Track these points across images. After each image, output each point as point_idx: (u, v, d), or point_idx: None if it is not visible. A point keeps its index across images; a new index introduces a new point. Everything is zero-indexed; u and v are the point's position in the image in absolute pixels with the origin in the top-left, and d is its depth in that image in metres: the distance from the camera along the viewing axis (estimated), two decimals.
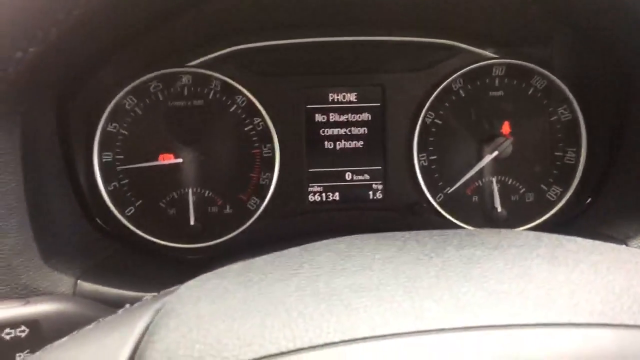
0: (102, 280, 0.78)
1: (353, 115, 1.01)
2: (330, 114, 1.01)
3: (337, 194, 1.02)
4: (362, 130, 1.01)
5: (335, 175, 1.02)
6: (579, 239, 0.42)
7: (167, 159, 0.97)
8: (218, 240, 0.99)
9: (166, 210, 0.98)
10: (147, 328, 0.39)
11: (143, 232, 0.97)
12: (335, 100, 1.01)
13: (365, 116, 1.01)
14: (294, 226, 1.01)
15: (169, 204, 0.98)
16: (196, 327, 0.37)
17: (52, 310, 0.59)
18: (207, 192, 0.99)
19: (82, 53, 0.66)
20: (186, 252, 0.98)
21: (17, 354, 0.56)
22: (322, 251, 0.45)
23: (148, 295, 0.78)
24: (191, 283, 0.43)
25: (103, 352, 0.39)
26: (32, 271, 0.72)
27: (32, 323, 0.56)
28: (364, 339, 0.33)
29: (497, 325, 0.32)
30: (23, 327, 0.55)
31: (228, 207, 1.00)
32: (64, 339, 0.44)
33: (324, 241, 0.47)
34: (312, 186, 1.01)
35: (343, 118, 1.01)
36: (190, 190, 0.98)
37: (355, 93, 1.01)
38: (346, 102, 1.01)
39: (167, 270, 0.93)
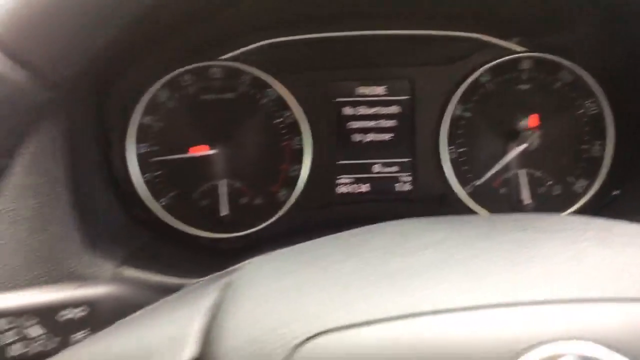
0: (141, 268, 0.80)
1: (382, 108, 1.02)
2: (359, 107, 1.02)
3: (365, 185, 1.03)
4: (391, 123, 1.03)
5: (363, 167, 1.03)
6: (624, 223, 0.43)
7: (199, 151, 0.99)
8: (249, 231, 1.00)
9: (198, 200, 1.00)
10: (214, 305, 0.41)
11: (177, 222, 0.99)
12: (364, 93, 1.02)
13: (394, 109, 1.02)
14: (323, 217, 1.02)
15: (201, 195, 1.00)
16: (266, 303, 0.38)
17: (106, 292, 0.61)
18: (238, 183, 1.01)
19: (131, 44, 0.68)
20: (218, 242, 1.00)
21: (72, 335, 0.58)
22: (375, 234, 0.47)
23: (187, 282, 0.81)
24: (254, 263, 0.45)
25: (173, 327, 0.41)
26: (75, 257, 0.74)
27: (90, 304, 0.58)
28: (428, 313, 0.34)
29: (556, 300, 0.33)
30: (81, 308, 0.57)
31: (259, 198, 1.01)
32: (132, 316, 0.46)
33: (377, 224, 0.48)
34: (341, 178, 1.03)
35: (372, 111, 1.02)
36: (221, 182, 1.00)
37: (384, 86, 1.02)
38: (375, 96, 1.02)
39: (200, 259, 0.95)
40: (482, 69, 1.01)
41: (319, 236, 0.94)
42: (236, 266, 0.49)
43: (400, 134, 1.03)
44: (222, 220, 0.99)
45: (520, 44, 1.03)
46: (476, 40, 1.02)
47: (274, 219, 1.01)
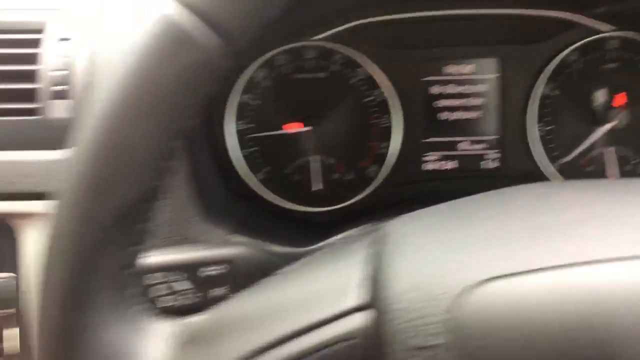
0: (247, 236, 0.85)
1: (470, 86, 1.05)
2: (447, 85, 1.05)
3: (452, 162, 1.06)
4: (479, 101, 1.05)
5: (450, 145, 1.06)
6: None
7: (293, 128, 1.03)
8: (340, 205, 1.05)
9: (292, 175, 1.05)
10: (372, 256, 0.45)
11: (271, 196, 1.04)
12: (452, 72, 1.05)
13: (482, 87, 1.04)
14: (410, 193, 1.05)
15: (294, 170, 1.05)
16: (428, 252, 0.42)
17: (243, 252, 0.66)
18: (329, 159, 1.05)
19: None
20: (311, 216, 1.05)
21: (211, 291, 0.63)
22: (515, 194, 0.50)
23: (291, 250, 0.86)
24: (404, 219, 0.48)
25: (334, 277, 0.45)
26: (191, 224, 0.80)
27: (230, 262, 0.63)
28: (596, 261, 0.37)
29: None
30: (222, 266, 0.62)
31: (349, 174, 1.05)
32: (286, 269, 0.50)
33: (511, 187, 0.51)
34: (428, 155, 1.06)
35: (459, 90, 1.05)
36: (313, 158, 1.04)
37: (472, 65, 1.04)
38: (462, 74, 1.05)
39: (295, 231, 1.00)
40: (569, 49, 1.03)
41: (408, 211, 0.98)
42: (377, 225, 0.52)
43: (488, 112, 1.05)
44: (314, 194, 1.04)
45: (607, 20, 1.03)
46: (564, 20, 1.03)
47: (363, 194, 1.05)
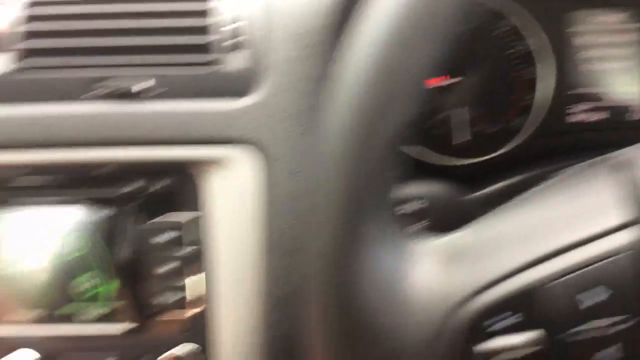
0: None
1: (618, 35, 1.02)
2: (595, 35, 1.03)
3: (599, 114, 1.05)
4: (628, 51, 1.03)
5: (597, 96, 1.04)
6: None
7: (435, 82, 1.04)
8: (483, 157, 1.05)
9: (434, 129, 1.06)
10: (623, 180, 0.45)
11: (416, 149, 1.05)
12: (600, 21, 1.03)
13: (631, 37, 1.02)
14: (555, 145, 1.05)
15: (436, 123, 1.06)
16: None
17: (430, 190, 0.69)
18: (472, 112, 1.05)
19: None
20: (454, 169, 1.06)
21: (410, 225, 0.65)
22: None
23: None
24: None
25: (584, 201, 0.46)
26: None
27: (423, 198, 0.66)
28: None
29: None
30: (422, 201, 0.64)
31: (492, 126, 1.05)
32: (524, 195, 0.51)
33: None
34: (573, 107, 1.05)
35: (608, 39, 1.03)
36: (456, 111, 1.05)
37: (621, 14, 1.02)
38: (612, 24, 1.02)
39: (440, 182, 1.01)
40: None
41: (552, 164, 0.97)
42: (605, 156, 0.53)
43: (638, 62, 1.02)
44: (457, 148, 1.05)
45: None
46: None
47: (510, 146, 1.05)
